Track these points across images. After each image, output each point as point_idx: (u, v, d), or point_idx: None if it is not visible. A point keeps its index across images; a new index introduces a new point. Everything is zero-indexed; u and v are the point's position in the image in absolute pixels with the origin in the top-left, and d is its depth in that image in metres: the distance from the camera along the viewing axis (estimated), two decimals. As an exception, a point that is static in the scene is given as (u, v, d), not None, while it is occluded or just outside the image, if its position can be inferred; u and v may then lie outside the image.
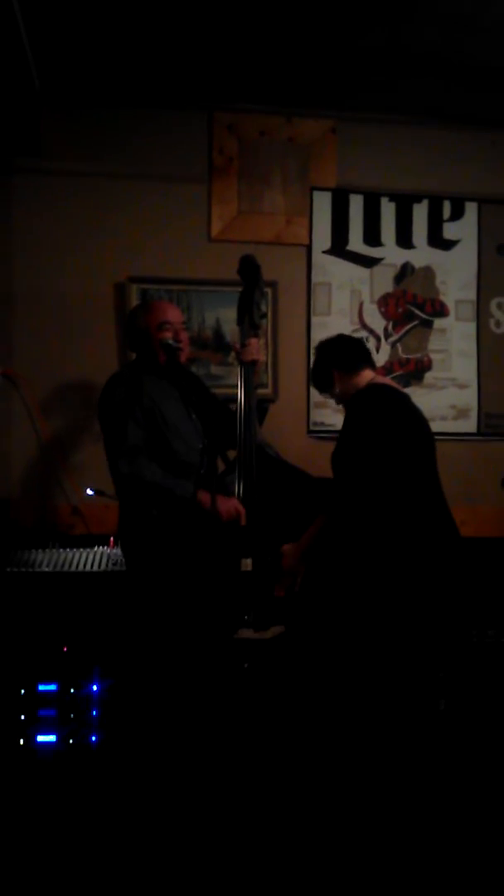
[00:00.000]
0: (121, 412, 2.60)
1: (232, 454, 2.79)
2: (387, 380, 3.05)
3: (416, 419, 2.73)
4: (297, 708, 2.64)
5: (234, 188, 3.66)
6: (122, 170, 3.53)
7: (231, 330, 3.50)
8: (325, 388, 2.84)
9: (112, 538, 3.07)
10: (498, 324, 3.80)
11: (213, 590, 2.56)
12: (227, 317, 3.49)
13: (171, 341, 2.67)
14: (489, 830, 2.42)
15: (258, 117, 3.65)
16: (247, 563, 2.57)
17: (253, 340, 2.74)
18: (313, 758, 2.60)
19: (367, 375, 2.74)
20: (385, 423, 2.61)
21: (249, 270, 2.78)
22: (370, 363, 2.79)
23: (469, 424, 3.79)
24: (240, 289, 2.80)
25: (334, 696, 2.61)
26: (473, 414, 3.79)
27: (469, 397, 3.79)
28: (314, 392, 3.53)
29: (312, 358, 2.92)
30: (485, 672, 3.15)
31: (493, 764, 2.77)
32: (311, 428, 3.69)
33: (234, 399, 2.74)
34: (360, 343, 2.90)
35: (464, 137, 3.77)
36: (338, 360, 2.75)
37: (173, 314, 2.76)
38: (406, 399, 2.76)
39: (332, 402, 3.07)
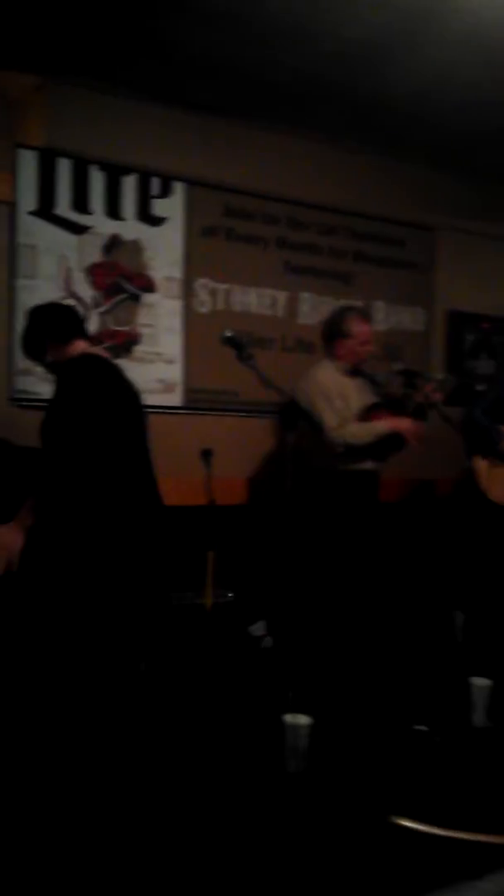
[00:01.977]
0: None
1: None
2: (99, 350, 3.04)
3: (129, 391, 2.77)
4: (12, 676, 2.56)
5: None
6: None
7: None
8: (35, 356, 2.74)
9: None
10: (203, 303, 3.99)
11: None
12: None
13: None
14: (191, 791, 2.57)
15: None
16: None
17: None
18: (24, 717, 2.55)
19: (80, 346, 2.70)
20: (97, 395, 2.60)
21: None
22: (83, 333, 2.75)
23: (175, 398, 3.94)
24: None
25: (46, 663, 2.58)
26: (179, 388, 3.94)
27: (175, 372, 3.93)
28: (19, 358, 3.38)
29: (23, 323, 2.79)
30: (184, 632, 3.33)
31: (191, 721, 2.95)
32: (14, 395, 3.53)
33: None
34: (74, 312, 2.84)
35: (175, 118, 3.86)
36: (51, 328, 2.67)
37: None
38: (119, 371, 2.78)
39: (39, 369, 2.96)
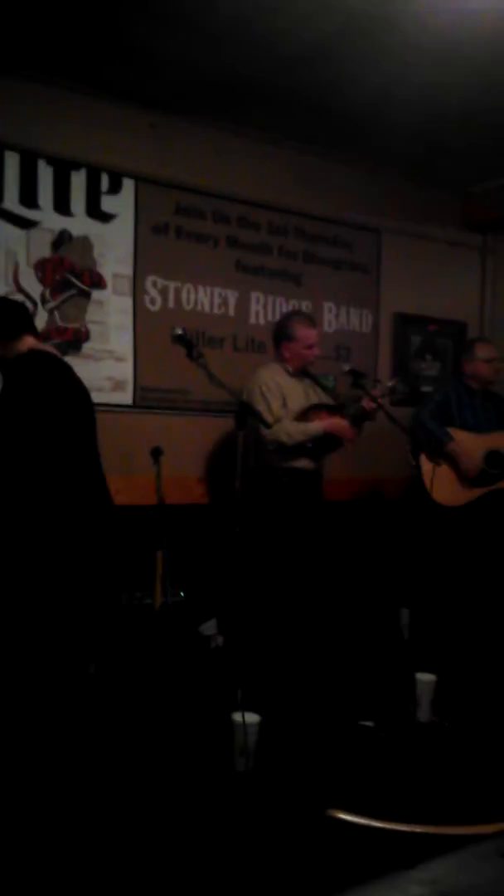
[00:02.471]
0: None
1: None
2: (48, 347, 3.00)
3: (77, 389, 2.75)
4: None
5: None
6: None
7: None
8: (-19, 352, 2.70)
9: None
10: (153, 301, 3.97)
11: None
12: None
13: None
14: (138, 792, 2.56)
15: None
16: None
17: None
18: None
19: (28, 342, 2.67)
20: (45, 392, 2.58)
21: None
22: (32, 329, 2.72)
23: (125, 396, 3.91)
24: None
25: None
26: (129, 386, 3.91)
27: (126, 370, 3.90)
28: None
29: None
30: (134, 633, 3.31)
31: (140, 721, 2.94)
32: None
33: None
34: (22, 307, 2.81)
35: (126, 115, 3.83)
36: (-2, 323, 2.64)
37: None
38: (67, 368, 2.75)
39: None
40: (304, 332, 3.54)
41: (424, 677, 3.16)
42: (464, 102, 3.74)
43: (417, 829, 1.50)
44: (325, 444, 3.48)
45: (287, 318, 3.67)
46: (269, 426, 3.25)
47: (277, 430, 3.34)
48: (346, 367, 3.56)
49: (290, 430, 3.38)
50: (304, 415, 3.47)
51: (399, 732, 3.00)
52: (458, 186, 4.97)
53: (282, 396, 3.48)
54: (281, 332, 3.61)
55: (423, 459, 3.68)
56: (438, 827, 1.50)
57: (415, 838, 1.52)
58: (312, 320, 3.69)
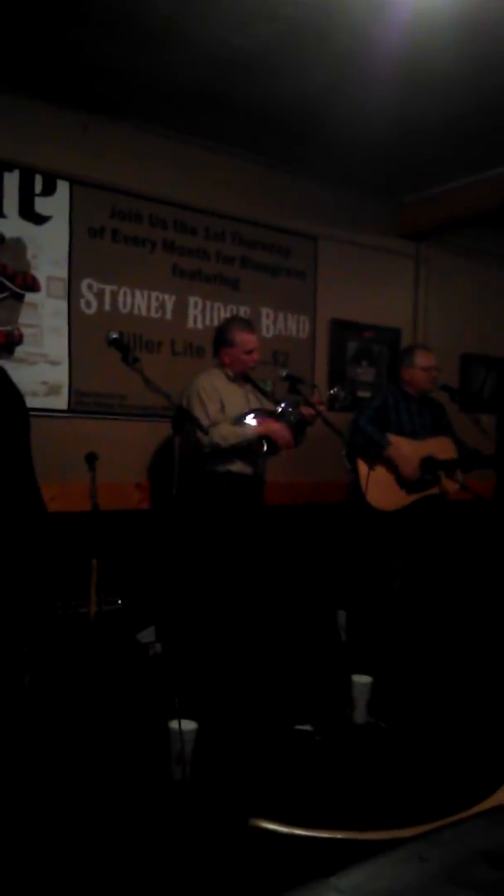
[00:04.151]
0: None
1: None
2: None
3: (10, 393, 2.69)
4: None
5: None
6: None
7: None
8: None
9: None
10: (89, 304, 3.92)
11: None
12: None
13: None
14: (74, 801, 2.52)
15: None
16: None
17: None
18: None
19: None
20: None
21: None
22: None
23: (60, 401, 3.83)
24: None
25: None
26: (64, 391, 3.85)
27: (60, 374, 3.83)
28: None
29: None
30: (69, 642, 3.26)
31: (77, 731, 2.89)
32: None
33: None
34: None
35: (60, 116, 3.77)
36: None
37: None
38: (1, 372, 2.69)
39: None
40: (244, 338, 3.56)
41: (361, 679, 3.20)
42: (399, 113, 3.82)
43: (339, 835, 1.51)
44: (262, 446, 3.49)
45: (227, 324, 3.70)
46: (206, 431, 3.24)
47: (212, 432, 3.34)
48: (283, 373, 3.57)
49: (225, 433, 3.38)
50: (240, 420, 3.47)
51: (335, 735, 3.02)
52: (393, 196, 5.07)
53: (220, 401, 3.49)
54: (221, 338, 3.63)
55: (360, 464, 3.73)
56: (359, 833, 1.51)
57: (338, 844, 1.53)
58: (252, 326, 3.73)
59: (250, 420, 3.46)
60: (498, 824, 0.90)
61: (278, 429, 3.47)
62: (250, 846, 1.98)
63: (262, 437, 3.45)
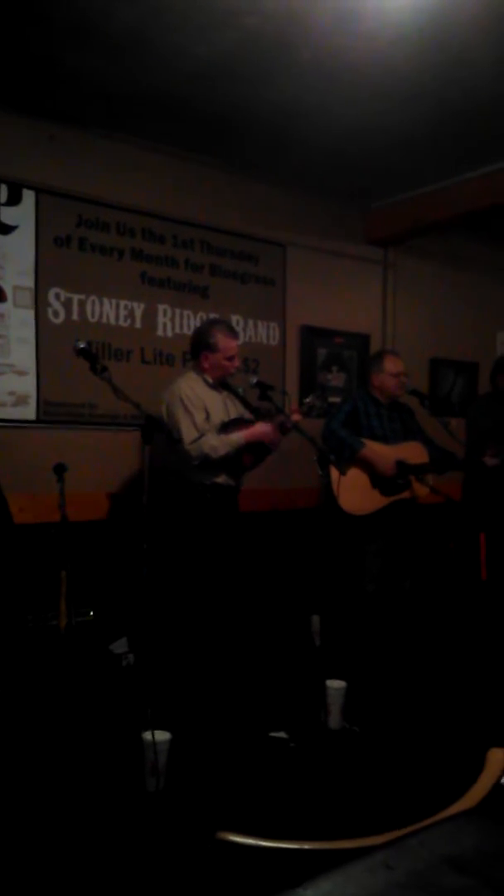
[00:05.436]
0: None
1: None
2: None
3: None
4: None
5: None
6: None
7: None
8: None
9: None
10: (56, 313, 3.89)
11: None
12: None
13: None
14: (47, 813, 2.48)
15: None
16: None
17: None
18: None
19: None
20: None
21: None
22: None
23: (28, 411, 3.80)
24: None
25: None
26: (32, 401, 3.81)
27: (28, 384, 3.80)
28: None
29: None
30: (41, 655, 3.22)
31: (50, 744, 2.85)
32: None
33: None
34: None
35: (26, 125, 3.76)
36: None
37: None
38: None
39: None
40: (226, 343, 3.43)
41: (335, 684, 3.20)
42: (363, 120, 3.85)
43: (306, 845, 1.51)
44: (254, 452, 3.44)
45: (208, 327, 3.51)
46: (176, 441, 3.20)
47: (201, 443, 3.25)
48: (254, 380, 3.53)
49: (215, 444, 3.27)
50: (223, 429, 3.37)
51: (309, 742, 3.02)
52: (361, 202, 5.11)
53: (205, 409, 3.38)
54: (201, 342, 3.46)
55: (332, 469, 3.73)
56: (326, 842, 1.51)
57: (307, 854, 1.52)
58: (234, 330, 3.57)
59: (235, 434, 3.36)
60: (463, 830, 0.91)
61: (265, 430, 3.36)
62: (219, 858, 1.97)
63: (250, 443, 3.35)
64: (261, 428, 3.38)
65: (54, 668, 3.14)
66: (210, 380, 3.48)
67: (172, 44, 3.16)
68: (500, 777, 1.53)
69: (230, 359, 3.46)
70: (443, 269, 5.63)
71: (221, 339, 3.43)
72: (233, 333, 3.52)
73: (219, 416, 3.43)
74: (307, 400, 3.61)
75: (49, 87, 3.56)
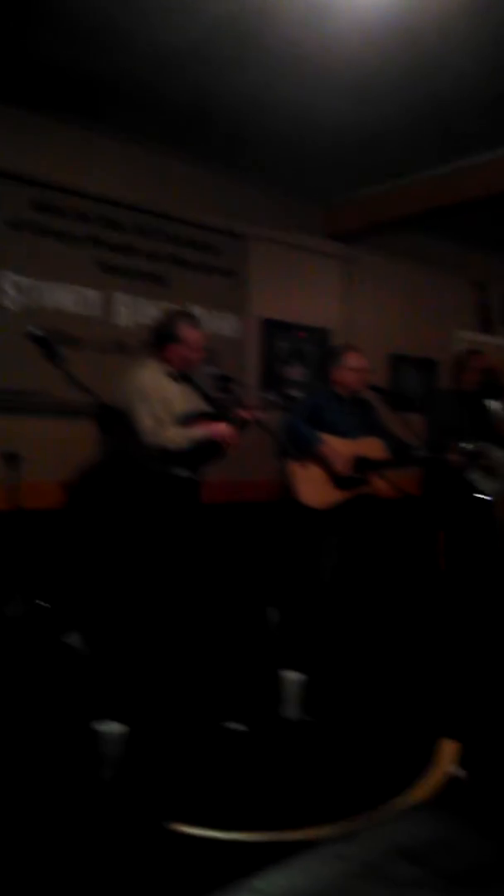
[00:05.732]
0: None
1: None
2: None
3: None
4: None
5: None
6: None
7: None
8: None
9: None
10: (10, 299, 3.80)
11: None
12: None
13: None
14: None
15: None
16: None
17: None
18: None
19: None
20: None
21: None
22: None
23: (-20, 399, 3.72)
24: None
25: None
26: (-15, 388, 3.73)
27: (-20, 371, 3.72)
28: None
29: None
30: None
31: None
32: None
33: None
34: None
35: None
36: None
37: None
38: None
39: None
40: (191, 334, 3.37)
41: (291, 675, 3.20)
42: (329, 116, 3.85)
43: (258, 837, 1.50)
44: (208, 450, 3.41)
45: (172, 319, 3.45)
46: (142, 431, 3.15)
47: (159, 435, 3.21)
48: (213, 371, 3.50)
49: (174, 437, 3.24)
50: (183, 422, 3.33)
51: (264, 732, 3.01)
52: (322, 196, 5.11)
53: (164, 399, 3.32)
54: (165, 333, 3.39)
55: (291, 462, 3.73)
56: (279, 833, 1.51)
57: (260, 845, 1.51)
58: (198, 321, 3.51)
59: (192, 424, 3.33)
60: (415, 821, 0.90)
61: (226, 430, 3.33)
62: (171, 850, 1.95)
63: (209, 440, 3.31)
64: (221, 428, 3.34)
65: (6, 658, 3.08)
66: (172, 371, 3.42)
67: (138, 29, 3.11)
68: (449, 768, 1.54)
69: (195, 351, 3.40)
70: (404, 266, 5.67)
71: (187, 331, 3.38)
72: (197, 325, 3.47)
73: (179, 408, 3.39)
74: (269, 397, 3.59)
75: (5, 69, 3.47)
